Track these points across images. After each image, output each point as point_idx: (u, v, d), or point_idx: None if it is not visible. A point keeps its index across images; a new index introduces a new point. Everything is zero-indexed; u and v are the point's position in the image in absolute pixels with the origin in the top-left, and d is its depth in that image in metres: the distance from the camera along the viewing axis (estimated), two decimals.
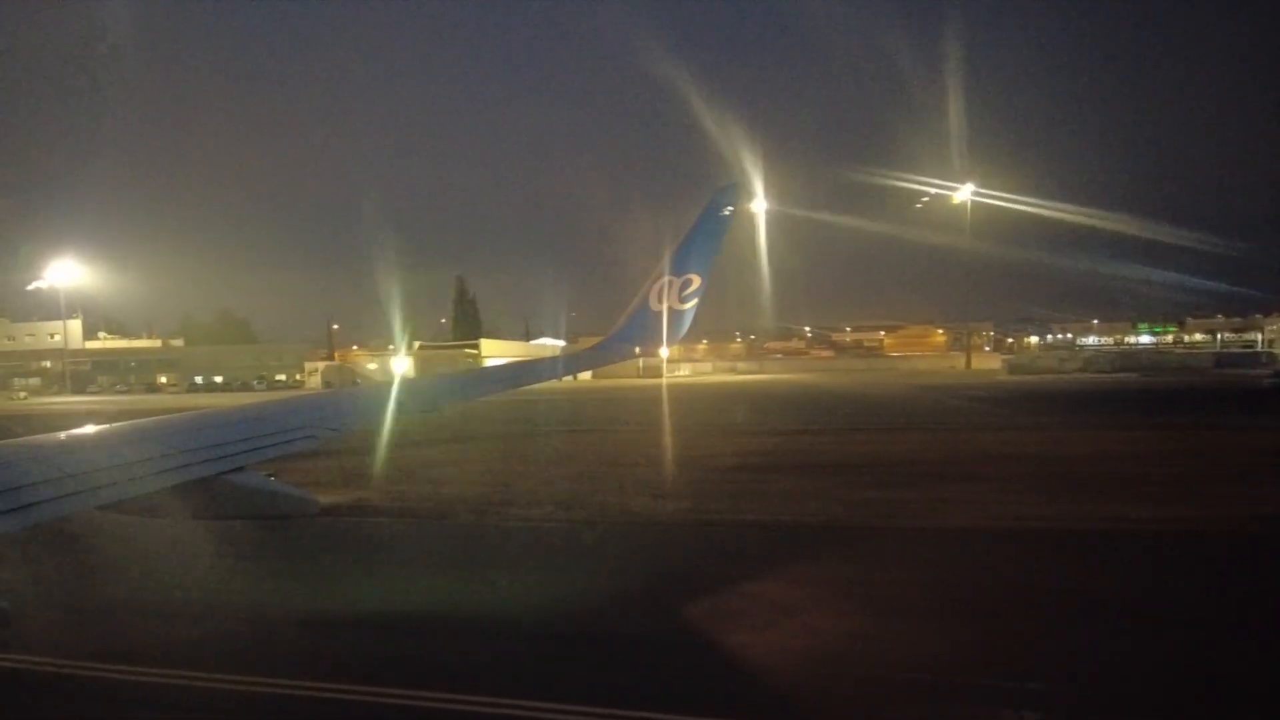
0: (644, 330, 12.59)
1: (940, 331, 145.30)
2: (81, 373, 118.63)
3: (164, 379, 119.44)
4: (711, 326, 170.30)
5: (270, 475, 7.29)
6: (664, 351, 13.32)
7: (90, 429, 6.92)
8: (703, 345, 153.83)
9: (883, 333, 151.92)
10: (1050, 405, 48.53)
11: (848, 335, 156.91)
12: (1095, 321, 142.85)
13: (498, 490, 23.29)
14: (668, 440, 35.02)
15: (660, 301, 12.34)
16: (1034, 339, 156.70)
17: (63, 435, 6.55)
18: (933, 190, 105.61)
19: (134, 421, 7.29)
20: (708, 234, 12.42)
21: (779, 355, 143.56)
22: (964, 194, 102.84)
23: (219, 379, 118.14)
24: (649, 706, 8.66)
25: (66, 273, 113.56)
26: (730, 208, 13.75)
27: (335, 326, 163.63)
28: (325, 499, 22.29)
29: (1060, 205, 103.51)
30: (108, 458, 5.79)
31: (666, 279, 12.33)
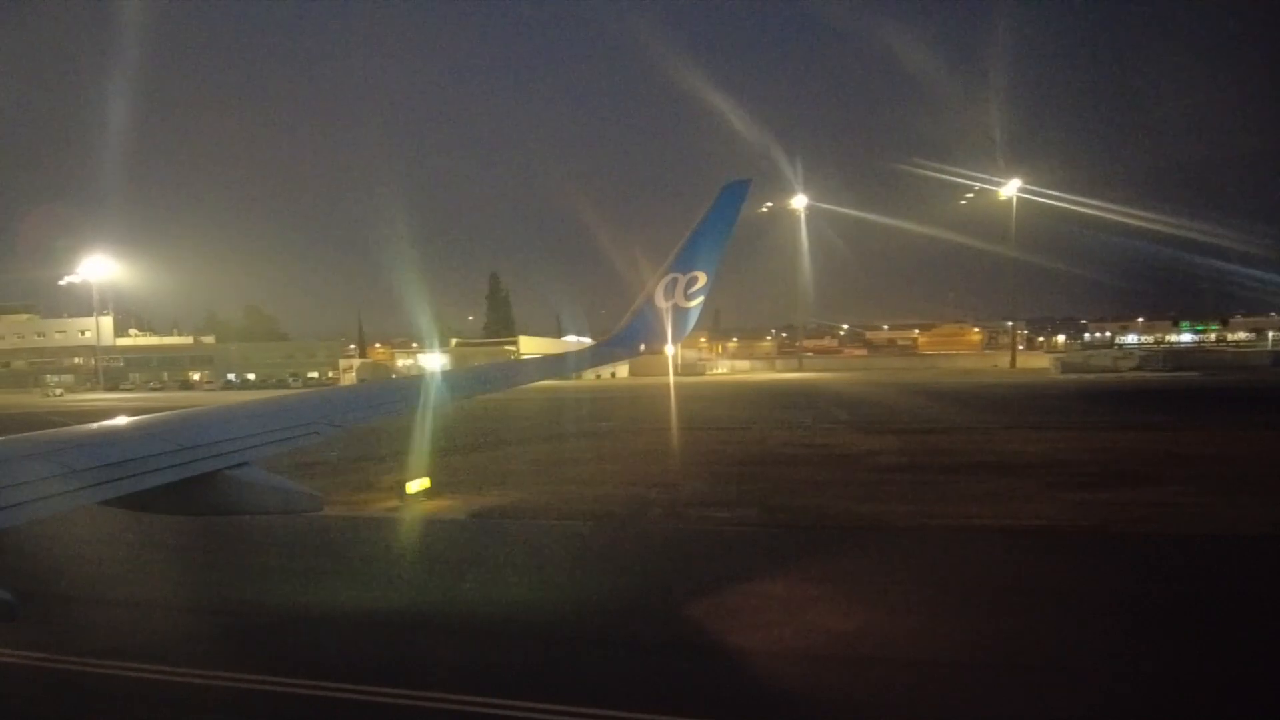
0: (649, 328, 12.34)
1: (976, 330, 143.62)
2: (114, 369, 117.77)
3: (197, 376, 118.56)
4: (741, 324, 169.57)
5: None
6: (669, 349, 12.90)
7: (92, 425, 6.87)
8: (733, 343, 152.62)
9: (916, 331, 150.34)
10: (1151, 404, 47.21)
11: (885, 333, 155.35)
12: (1140, 320, 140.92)
13: (663, 491, 22.12)
14: (789, 437, 33.77)
15: (665, 299, 12.14)
16: (1060, 338, 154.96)
17: (64, 431, 6.50)
18: (976, 186, 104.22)
19: (138, 418, 7.30)
20: (715, 231, 12.08)
21: (810, 354, 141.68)
22: (1010, 190, 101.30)
23: (252, 376, 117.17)
24: None
25: (99, 269, 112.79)
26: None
27: (364, 325, 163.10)
28: (480, 502, 21.17)
29: (1099, 202, 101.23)
30: (110, 454, 5.76)
31: (671, 276, 12.08)
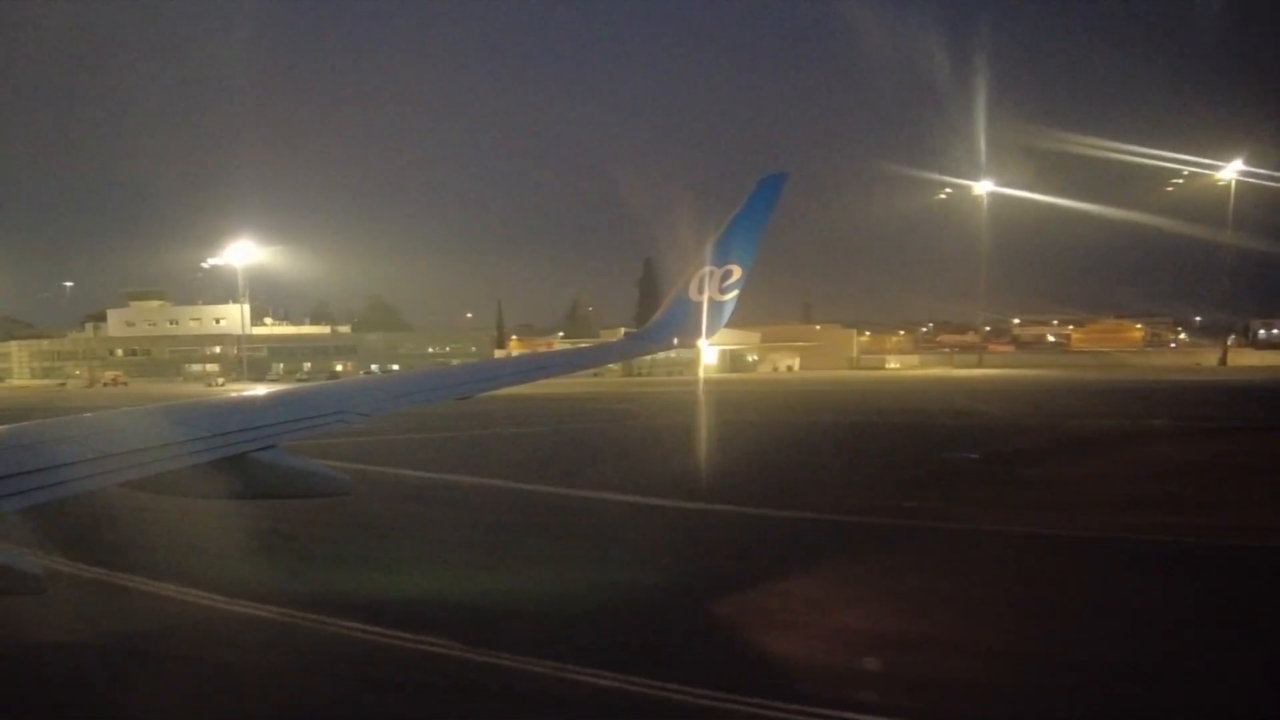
0: (683, 321, 12.48)
1: (1137, 327, 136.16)
2: (257, 359, 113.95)
3: (340, 366, 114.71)
4: (829, 317, 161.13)
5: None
6: (703, 342, 12.76)
7: (117, 410, 6.98)
8: (864, 337, 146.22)
9: (1071, 327, 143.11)
10: None
11: (1043, 328, 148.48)
12: None
13: None
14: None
15: (700, 292, 12.17)
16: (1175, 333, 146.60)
17: (84, 416, 6.62)
18: (1185, 170, 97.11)
19: (166, 404, 7.75)
20: (751, 224, 12.06)
21: (946, 349, 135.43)
22: (1229, 173, 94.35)
23: (396, 366, 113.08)
24: None
25: (243, 254, 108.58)
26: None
27: (469, 315, 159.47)
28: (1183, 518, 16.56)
29: None
30: (131, 437, 5.86)
31: (707, 269, 12.13)
